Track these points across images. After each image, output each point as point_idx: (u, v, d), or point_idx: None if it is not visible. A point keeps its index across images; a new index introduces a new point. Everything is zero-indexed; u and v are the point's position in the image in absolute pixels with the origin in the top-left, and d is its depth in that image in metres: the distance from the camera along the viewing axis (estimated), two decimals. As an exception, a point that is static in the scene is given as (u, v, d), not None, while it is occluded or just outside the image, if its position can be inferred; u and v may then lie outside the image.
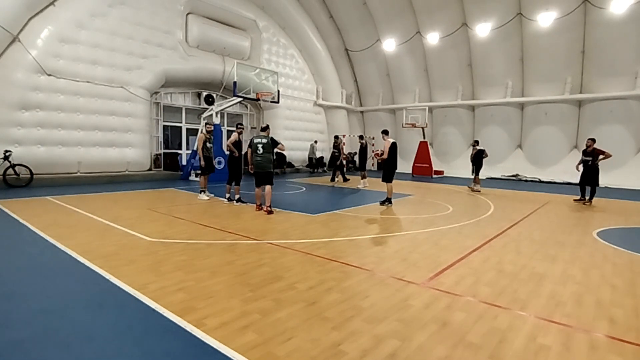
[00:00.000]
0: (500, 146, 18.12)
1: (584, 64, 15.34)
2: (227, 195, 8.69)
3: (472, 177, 12.35)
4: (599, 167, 9.44)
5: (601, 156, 9.32)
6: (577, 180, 10.27)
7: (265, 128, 7.82)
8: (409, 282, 3.73)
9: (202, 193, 9.00)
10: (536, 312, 3.10)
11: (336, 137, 14.83)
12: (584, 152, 9.62)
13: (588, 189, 9.68)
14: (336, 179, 13.41)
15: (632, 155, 15.02)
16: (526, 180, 16.58)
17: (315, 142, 19.31)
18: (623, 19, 13.57)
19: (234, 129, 8.85)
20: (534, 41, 15.79)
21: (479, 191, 11.98)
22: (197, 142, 8.98)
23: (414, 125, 18.93)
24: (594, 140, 9.59)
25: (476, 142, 12.71)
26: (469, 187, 12.59)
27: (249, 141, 7.86)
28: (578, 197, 9.96)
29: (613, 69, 14.60)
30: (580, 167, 9.63)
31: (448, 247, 5.09)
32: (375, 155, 10.24)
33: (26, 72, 10.54)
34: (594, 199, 9.68)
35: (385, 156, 8.65)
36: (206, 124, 9.41)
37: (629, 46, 14.06)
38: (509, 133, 17.92)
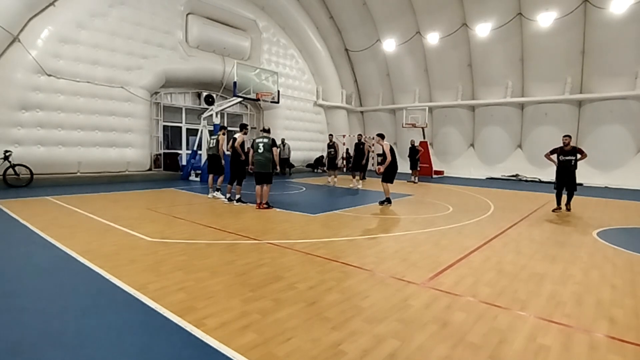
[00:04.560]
0: (500, 146, 18.14)
1: (584, 64, 15.32)
2: (228, 195, 8.71)
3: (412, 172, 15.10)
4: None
5: (579, 155, 8.15)
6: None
7: (268, 130, 8.24)
8: (409, 282, 3.73)
9: (218, 191, 9.26)
10: (536, 312, 3.10)
11: (330, 135, 15.34)
12: (563, 151, 8.28)
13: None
14: (333, 179, 13.35)
15: (632, 155, 15.00)
16: (526, 180, 16.57)
17: (283, 140, 17.30)
18: (623, 19, 13.56)
19: (237, 129, 8.94)
20: (534, 41, 15.78)
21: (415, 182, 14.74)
22: (221, 143, 9.16)
23: (414, 125, 18.94)
24: (571, 137, 8.44)
25: (412, 142, 15.44)
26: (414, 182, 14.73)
27: (250, 141, 8.04)
28: (556, 207, 8.48)
29: (613, 69, 14.59)
30: (554, 157, 8.38)
31: (448, 247, 5.09)
32: (378, 170, 10.08)
33: (26, 72, 10.55)
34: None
35: (389, 159, 8.64)
36: (223, 127, 9.89)
37: (629, 46, 14.05)
38: (509, 133, 17.91)
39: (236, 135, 8.53)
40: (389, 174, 8.79)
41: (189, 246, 4.85)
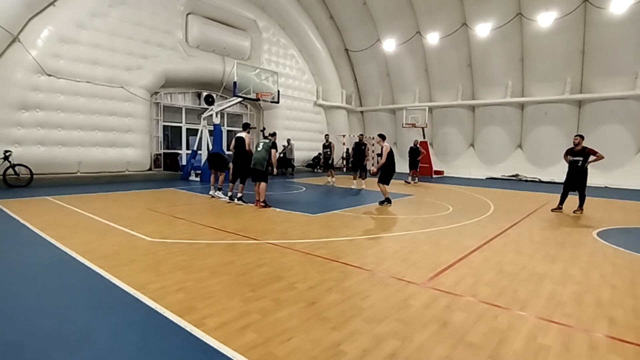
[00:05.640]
0: (500, 146, 18.13)
1: (584, 64, 15.32)
2: (229, 194, 8.73)
3: (411, 173, 14.79)
4: (588, 168, 8.08)
5: (592, 157, 7.89)
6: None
7: (273, 134, 8.71)
8: (409, 282, 3.73)
9: (220, 191, 9.26)
10: (536, 312, 3.10)
11: (327, 135, 15.14)
12: (572, 152, 8.17)
13: (570, 196, 8.34)
14: (331, 179, 13.32)
15: (632, 155, 15.01)
16: (526, 180, 16.58)
17: (289, 140, 17.68)
18: (623, 19, 13.56)
19: (240, 129, 9.00)
20: (534, 41, 15.78)
21: (411, 183, 14.34)
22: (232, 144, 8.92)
23: (414, 125, 18.94)
24: (582, 137, 8.14)
25: (415, 142, 15.17)
26: (413, 182, 14.42)
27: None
28: (556, 206, 8.45)
29: (613, 69, 14.59)
30: (569, 158, 8.22)
31: (448, 247, 5.09)
32: (371, 171, 9.76)
33: (26, 72, 10.54)
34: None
35: (383, 161, 8.69)
36: (248, 125, 9.29)
37: (629, 46, 14.05)
38: (509, 133, 17.91)
39: (243, 135, 8.57)
40: (386, 175, 8.80)
41: (189, 246, 4.85)
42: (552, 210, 8.45)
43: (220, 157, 9.40)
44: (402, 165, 15.17)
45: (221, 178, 9.40)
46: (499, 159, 18.16)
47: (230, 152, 9.24)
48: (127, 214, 6.84)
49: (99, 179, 11.83)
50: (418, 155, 14.74)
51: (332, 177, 13.40)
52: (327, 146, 13.84)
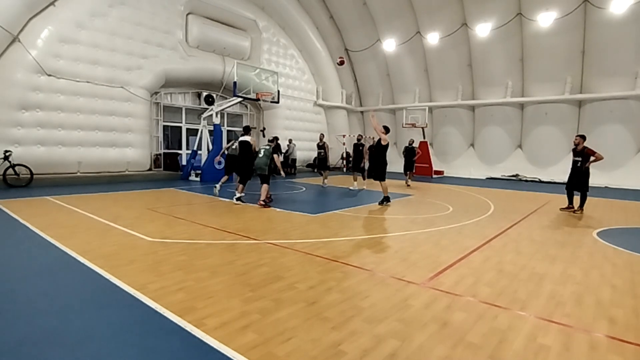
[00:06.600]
0: (500, 146, 18.14)
1: (584, 64, 15.32)
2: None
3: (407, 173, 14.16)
4: (590, 169, 8.20)
5: (592, 157, 8.01)
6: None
7: (274, 139, 9.04)
8: (409, 282, 3.73)
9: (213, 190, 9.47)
10: (536, 312, 3.10)
11: (321, 135, 14.85)
12: (574, 152, 8.36)
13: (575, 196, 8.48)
14: (325, 181, 13.13)
15: (632, 155, 15.01)
16: (526, 180, 16.58)
17: (290, 140, 17.85)
18: (623, 19, 13.56)
19: (240, 129, 9.10)
20: (534, 41, 15.78)
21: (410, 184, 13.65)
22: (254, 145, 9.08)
23: (414, 125, 18.94)
24: (583, 138, 8.21)
25: (411, 141, 14.54)
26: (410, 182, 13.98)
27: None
28: (565, 206, 8.58)
29: (613, 69, 14.59)
30: (573, 158, 8.44)
31: (448, 247, 5.09)
32: (372, 114, 10.02)
33: (26, 72, 10.54)
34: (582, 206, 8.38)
35: (382, 133, 8.81)
36: (249, 128, 9.34)
37: (629, 46, 14.05)
38: (509, 133, 17.92)
39: (247, 139, 8.72)
40: (381, 171, 8.96)
41: (189, 246, 4.85)
42: (561, 210, 8.56)
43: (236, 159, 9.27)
44: (400, 165, 15.15)
45: (224, 178, 9.53)
46: (499, 159, 18.17)
47: (226, 153, 9.68)
48: (127, 214, 6.84)
49: (99, 179, 11.83)
50: (414, 155, 14.19)
51: (325, 177, 13.15)
52: (322, 146, 13.51)
